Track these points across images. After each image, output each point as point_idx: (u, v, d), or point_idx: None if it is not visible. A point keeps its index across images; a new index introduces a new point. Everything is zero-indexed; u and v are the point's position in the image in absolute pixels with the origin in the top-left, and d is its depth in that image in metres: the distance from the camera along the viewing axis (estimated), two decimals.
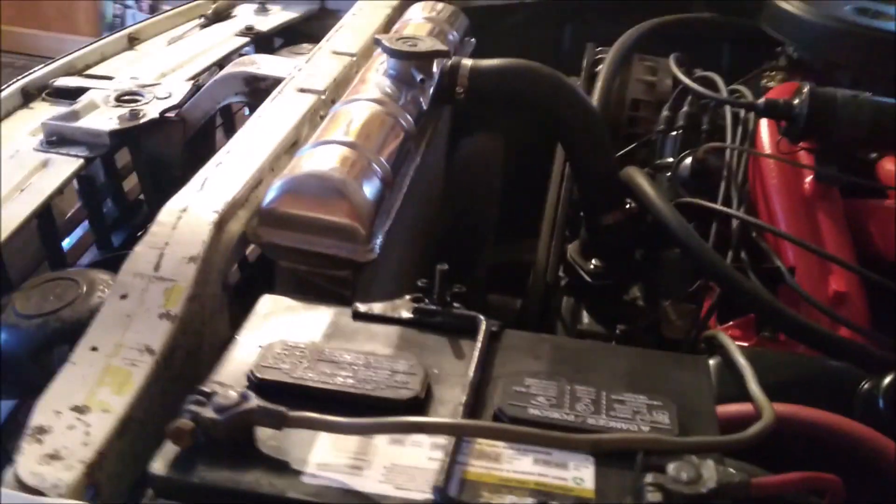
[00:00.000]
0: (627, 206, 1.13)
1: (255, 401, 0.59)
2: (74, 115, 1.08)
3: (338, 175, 0.81)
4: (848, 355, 0.93)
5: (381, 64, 1.06)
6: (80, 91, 1.16)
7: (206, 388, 0.60)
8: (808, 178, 1.11)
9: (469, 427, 0.57)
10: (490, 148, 1.37)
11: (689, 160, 1.19)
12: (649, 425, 0.61)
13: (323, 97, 1.02)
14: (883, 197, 1.15)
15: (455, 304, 0.74)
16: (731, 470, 0.56)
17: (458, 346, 0.70)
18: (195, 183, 0.81)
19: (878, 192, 1.14)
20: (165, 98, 1.13)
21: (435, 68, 1.07)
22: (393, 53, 1.02)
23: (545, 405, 0.62)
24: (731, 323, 1.07)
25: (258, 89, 1.08)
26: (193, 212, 0.77)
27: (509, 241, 1.51)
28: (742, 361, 0.79)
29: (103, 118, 1.09)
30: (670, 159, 1.26)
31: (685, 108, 1.30)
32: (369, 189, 0.83)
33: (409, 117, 0.97)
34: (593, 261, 1.16)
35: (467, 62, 1.10)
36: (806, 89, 1.05)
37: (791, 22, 1.38)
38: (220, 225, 0.77)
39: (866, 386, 0.84)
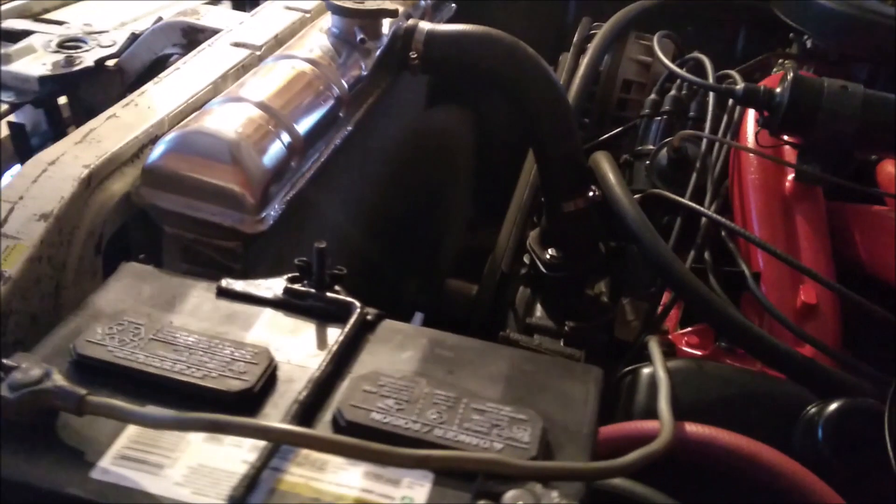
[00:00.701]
0: (592, 193, 1.04)
1: (54, 380, 0.52)
2: (7, 58, 1.02)
3: (229, 135, 0.73)
4: (803, 375, 0.83)
5: (326, 21, 0.98)
6: (26, 34, 1.10)
7: (10, 362, 0.54)
8: (790, 177, 1.00)
9: (274, 431, 0.49)
10: (458, 122, 1.28)
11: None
12: (504, 442, 0.53)
13: (258, 53, 0.94)
14: (879, 203, 1.03)
15: (336, 288, 0.66)
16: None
17: (324, 335, 0.63)
18: (77, 134, 0.75)
19: (871, 198, 1.03)
20: (108, 46, 1.07)
21: (386, 30, 0.99)
22: (335, 10, 0.94)
23: (391, 410, 0.55)
24: (689, 329, 0.98)
25: (196, 41, 1.00)
26: (62, 165, 0.70)
27: (491, 225, 1.43)
28: (661, 374, 0.71)
29: (37, 63, 1.03)
30: (652, 146, 1.16)
31: (672, 92, 1.20)
32: (268, 155, 0.75)
33: (342, 81, 0.89)
34: (550, 250, 1.07)
35: (424, 26, 1.01)
36: (790, 76, 0.95)
37: (806, 7, 1.26)
38: (90, 181, 0.70)
39: (811, 411, 0.75)
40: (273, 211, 0.75)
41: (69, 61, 1.03)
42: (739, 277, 0.94)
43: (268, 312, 0.65)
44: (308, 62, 0.88)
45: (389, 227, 1.16)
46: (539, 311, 1.08)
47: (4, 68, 1.00)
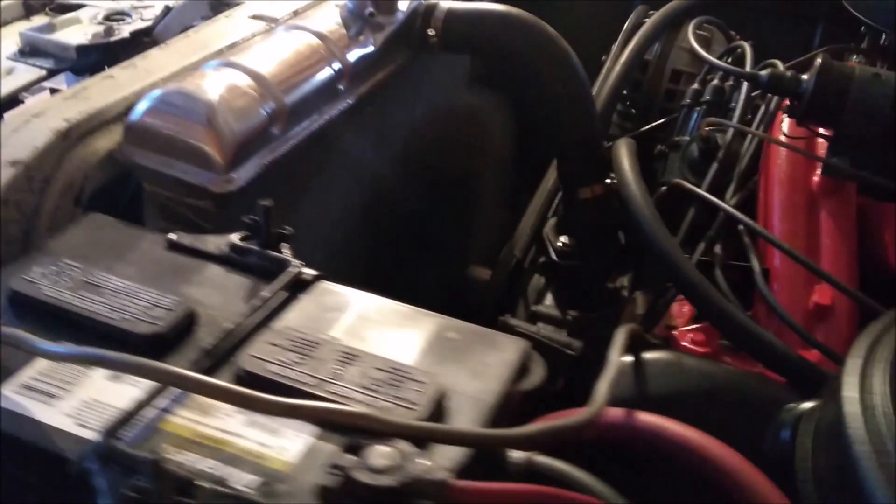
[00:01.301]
0: (610, 181, 1.01)
1: None
2: (51, 28, 1.08)
3: (205, 96, 0.75)
4: (799, 378, 0.78)
5: None
6: (79, 7, 1.16)
7: None
8: (819, 171, 0.94)
9: (146, 367, 0.49)
10: (494, 107, 1.26)
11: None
12: (393, 401, 0.52)
13: (274, 26, 0.96)
14: None
15: (283, 247, 0.66)
16: (439, 467, 0.46)
17: (257, 291, 0.63)
18: (70, 90, 0.78)
19: None
20: (149, 20, 1.11)
21: (403, 6, 0.99)
22: None
23: (290, 364, 0.54)
24: (695, 326, 0.93)
25: None
26: (45, 118, 0.73)
27: None
28: (613, 359, 0.68)
29: (79, 34, 1.08)
30: (688, 137, 1.11)
31: (714, 82, 1.14)
32: (244, 118, 0.76)
33: (346, 55, 0.90)
34: (562, 238, 1.04)
35: (445, 4, 1.01)
36: (818, 61, 0.89)
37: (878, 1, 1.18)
38: (69, 135, 0.72)
39: (783, 412, 0.70)
40: (245, 173, 0.76)
41: (108, 32, 1.08)
42: (746, 273, 0.88)
43: (211, 267, 0.65)
44: (313, 33, 0.89)
45: (411, 208, 1.16)
46: (549, 299, 1.05)
47: (47, 37, 1.06)
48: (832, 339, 0.85)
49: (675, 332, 0.94)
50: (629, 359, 0.78)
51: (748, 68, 1.06)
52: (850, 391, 0.45)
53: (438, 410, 0.53)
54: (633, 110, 1.30)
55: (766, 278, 0.88)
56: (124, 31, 1.08)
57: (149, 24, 1.10)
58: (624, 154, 0.97)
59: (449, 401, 0.54)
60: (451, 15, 1.00)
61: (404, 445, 0.48)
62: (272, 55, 0.84)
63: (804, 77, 0.90)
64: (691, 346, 0.92)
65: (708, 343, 0.91)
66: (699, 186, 0.97)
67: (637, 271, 1.10)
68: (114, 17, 1.13)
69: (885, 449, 0.41)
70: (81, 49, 1.05)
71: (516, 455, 0.57)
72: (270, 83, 0.79)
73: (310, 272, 0.64)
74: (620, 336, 0.73)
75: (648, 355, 0.78)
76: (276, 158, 0.79)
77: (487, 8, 1.00)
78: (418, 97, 1.12)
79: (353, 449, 0.47)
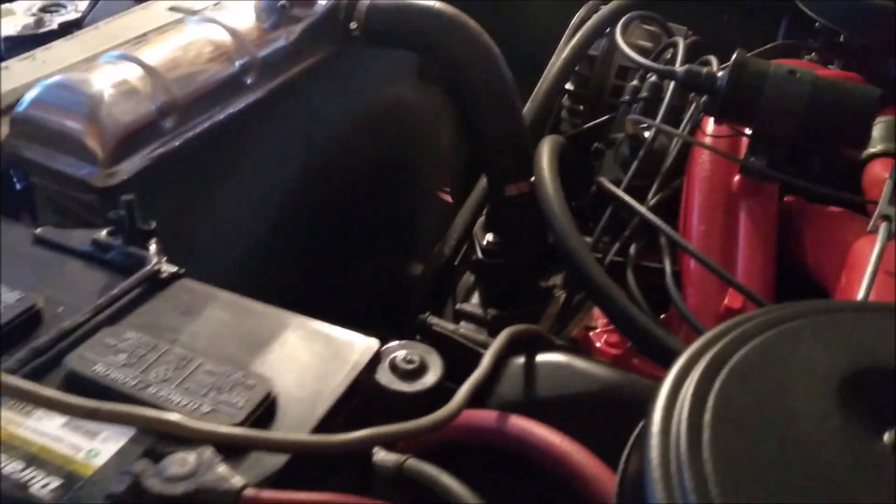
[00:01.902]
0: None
1: None
2: None
3: (88, 88, 0.74)
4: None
5: None
6: None
7: None
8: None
9: None
10: (434, 100, 1.24)
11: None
12: (215, 405, 0.51)
13: (186, 19, 0.94)
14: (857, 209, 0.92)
15: (152, 243, 0.65)
16: (234, 476, 0.45)
17: (111, 287, 0.62)
18: None
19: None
20: (80, 12, 1.10)
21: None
22: None
23: (117, 364, 0.53)
24: (610, 327, 0.91)
25: None
26: None
27: None
28: (484, 363, 0.66)
29: (10, 25, 1.07)
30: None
31: (652, 79, 1.12)
32: (130, 112, 0.75)
33: (255, 48, 0.88)
34: (489, 236, 1.02)
35: None
36: (733, 57, 0.86)
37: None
38: None
39: None
40: (131, 166, 0.74)
41: (38, 24, 1.07)
42: (656, 273, 0.86)
43: (72, 263, 0.64)
44: (223, 26, 0.88)
45: (342, 201, 1.14)
46: (476, 297, 1.03)
47: None
48: None
49: (591, 334, 0.92)
50: (520, 361, 0.76)
51: (679, 64, 1.04)
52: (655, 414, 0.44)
53: (265, 415, 0.51)
54: (581, 107, 1.28)
55: (677, 280, 0.86)
56: (54, 22, 1.07)
57: (80, 15, 1.09)
58: (545, 152, 0.95)
59: (279, 405, 0.53)
60: (374, 9, 0.99)
61: (209, 453, 0.46)
62: (173, 48, 0.83)
63: (719, 74, 0.88)
64: (605, 348, 0.90)
65: (620, 345, 0.89)
66: (609, 184, 0.95)
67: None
68: (50, 7, 1.12)
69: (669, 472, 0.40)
70: (9, 40, 1.04)
71: (387, 458, 0.56)
72: (164, 76, 0.78)
73: (169, 269, 0.63)
74: (499, 340, 0.72)
75: (540, 357, 0.76)
76: (166, 152, 0.78)
77: (409, 2, 0.99)
78: (353, 89, 1.11)
79: (155, 455, 0.46)
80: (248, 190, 0.94)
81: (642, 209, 0.88)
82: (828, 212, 0.89)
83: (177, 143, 0.79)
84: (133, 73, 0.78)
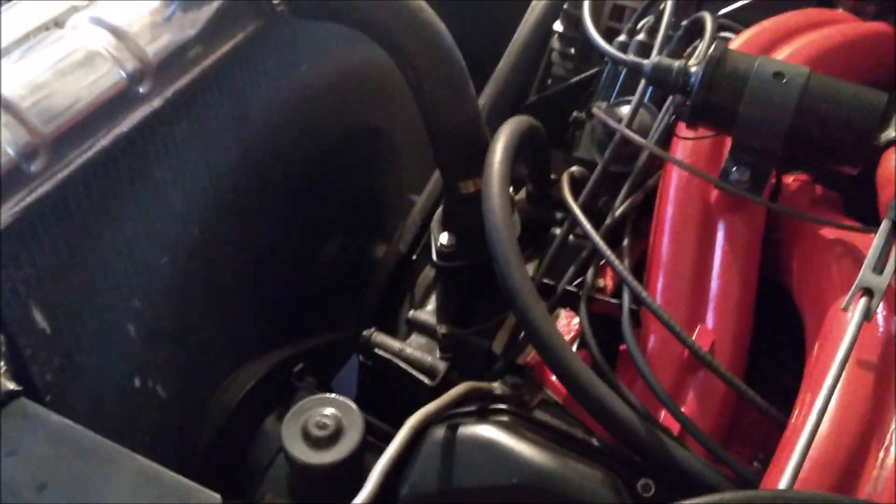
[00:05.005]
0: None
1: None
2: None
3: None
4: (643, 452, 0.67)
5: None
6: None
7: None
8: None
9: None
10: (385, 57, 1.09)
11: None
12: None
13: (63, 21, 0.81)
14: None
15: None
16: None
17: None
18: None
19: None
20: None
21: None
22: None
23: None
24: None
25: None
26: None
27: None
28: (393, 446, 0.58)
29: None
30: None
31: (640, 36, 0.96)
32: None
33: (149, 50, 0.76)
34: (444, 236, 0.91)
35: None
36: (709, 53, 0.71)
37: None
38: None
39: None
40: None
41: None
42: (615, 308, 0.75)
43: None
44: (107, 28, 0.75)
45: (298, 180, 1.04)
46: (432, 302, 0.93)
47: None
48: (708, 390, 0.73)
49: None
50: (440, 435, 0.67)
51: (663, 23, 0.88)
52: None
53: None
54: (572, 49, 1.12)
55: (635, 319, 0.75)
56: None
57: None
58: (499, 146, 0.81)
59: None
60: None
61: None
62: (31, 71, 0.70)
63: (693, 70, 0.73)
64: (557, 382, 0.80)
65: None
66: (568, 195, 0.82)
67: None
68: None
69: None
70: None
71: None
72: (20, 111, 0.67)
73: (7, 388, 0.55)
74: (409, 423, 0.63)
75: (462, 434, 0.67)
76: (38, 199, 0.68)
77: None
78: (295, 60, 0.98)
79: None
80: (163, 206, 0.84)
81: (596, 238, 0.75)
82: (821, 237, 0.74)
83: (49, 188, 0.69)
84: None
